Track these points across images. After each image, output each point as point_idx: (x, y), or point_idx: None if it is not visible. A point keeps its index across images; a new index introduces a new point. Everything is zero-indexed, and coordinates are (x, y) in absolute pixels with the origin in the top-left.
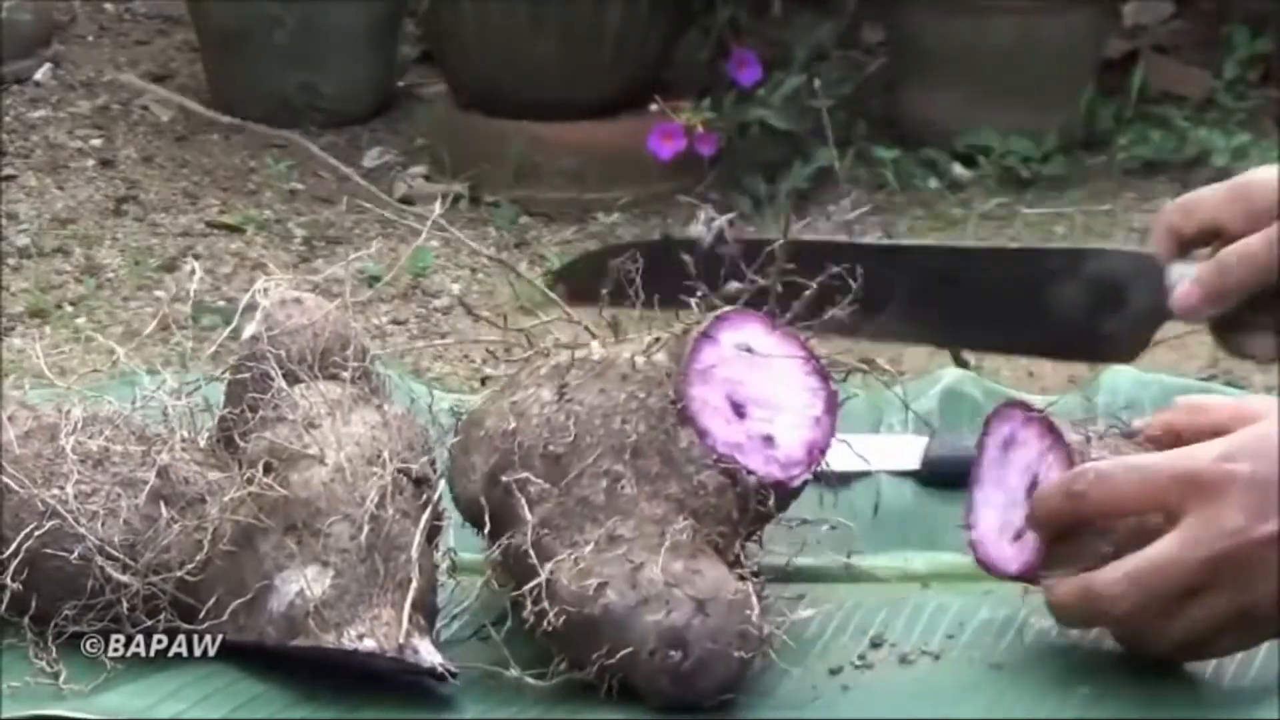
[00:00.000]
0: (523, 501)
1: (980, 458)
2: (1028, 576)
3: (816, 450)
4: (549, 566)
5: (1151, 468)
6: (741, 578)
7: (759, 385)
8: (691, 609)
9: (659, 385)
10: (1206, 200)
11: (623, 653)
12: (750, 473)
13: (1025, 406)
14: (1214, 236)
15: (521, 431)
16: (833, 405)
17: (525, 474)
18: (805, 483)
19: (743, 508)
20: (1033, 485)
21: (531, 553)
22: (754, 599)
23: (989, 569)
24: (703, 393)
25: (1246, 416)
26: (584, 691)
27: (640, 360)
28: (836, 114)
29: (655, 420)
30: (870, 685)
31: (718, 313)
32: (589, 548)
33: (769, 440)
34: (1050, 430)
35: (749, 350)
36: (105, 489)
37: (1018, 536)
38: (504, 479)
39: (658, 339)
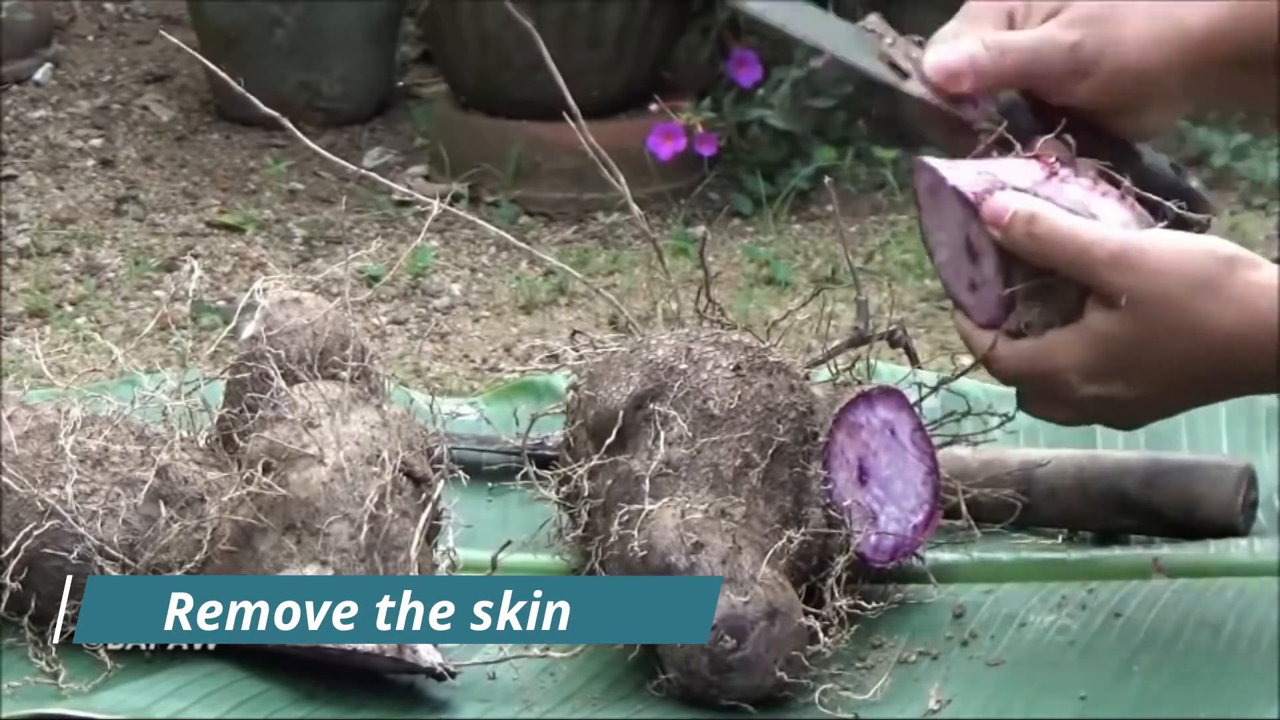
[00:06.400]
0: (660, 435)
1: (918, 203)
2: (996, 325)
3: (900, 554)
4: (660, 502)
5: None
6: (805, 612)
7: (886, 466)
8: (764, 611)
9: (817, 411)
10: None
11: None
12: (848, 534)
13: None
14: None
15: (690, 376)
16: (931, 522)
17: (675, 413)
18: (876, 574)
19: (824, 557)
20: (968, 245)
21: (648, 481)
22: (819, 634)
23: (959, 307)
24: (843, 443)
25: None
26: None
27: (820, 374)
28: (836, 114)
29: (802, 438)
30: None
31: (883, 384)
32: (701, 507)
33: (872, 518)
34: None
35: (892, 432)
36: (105, 489)
37: (973, 288)
38: (653, 406)
39: (837, 349)
